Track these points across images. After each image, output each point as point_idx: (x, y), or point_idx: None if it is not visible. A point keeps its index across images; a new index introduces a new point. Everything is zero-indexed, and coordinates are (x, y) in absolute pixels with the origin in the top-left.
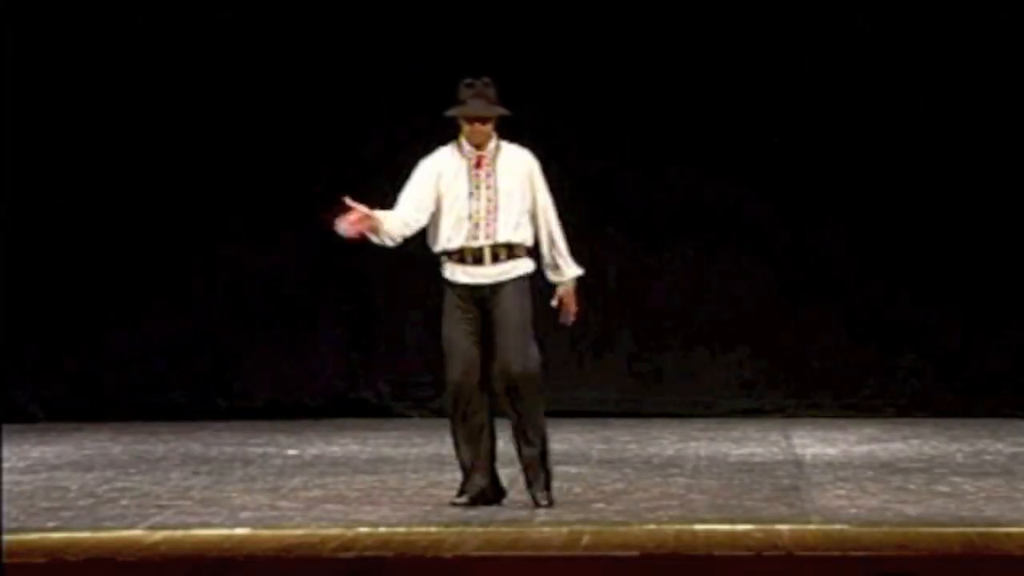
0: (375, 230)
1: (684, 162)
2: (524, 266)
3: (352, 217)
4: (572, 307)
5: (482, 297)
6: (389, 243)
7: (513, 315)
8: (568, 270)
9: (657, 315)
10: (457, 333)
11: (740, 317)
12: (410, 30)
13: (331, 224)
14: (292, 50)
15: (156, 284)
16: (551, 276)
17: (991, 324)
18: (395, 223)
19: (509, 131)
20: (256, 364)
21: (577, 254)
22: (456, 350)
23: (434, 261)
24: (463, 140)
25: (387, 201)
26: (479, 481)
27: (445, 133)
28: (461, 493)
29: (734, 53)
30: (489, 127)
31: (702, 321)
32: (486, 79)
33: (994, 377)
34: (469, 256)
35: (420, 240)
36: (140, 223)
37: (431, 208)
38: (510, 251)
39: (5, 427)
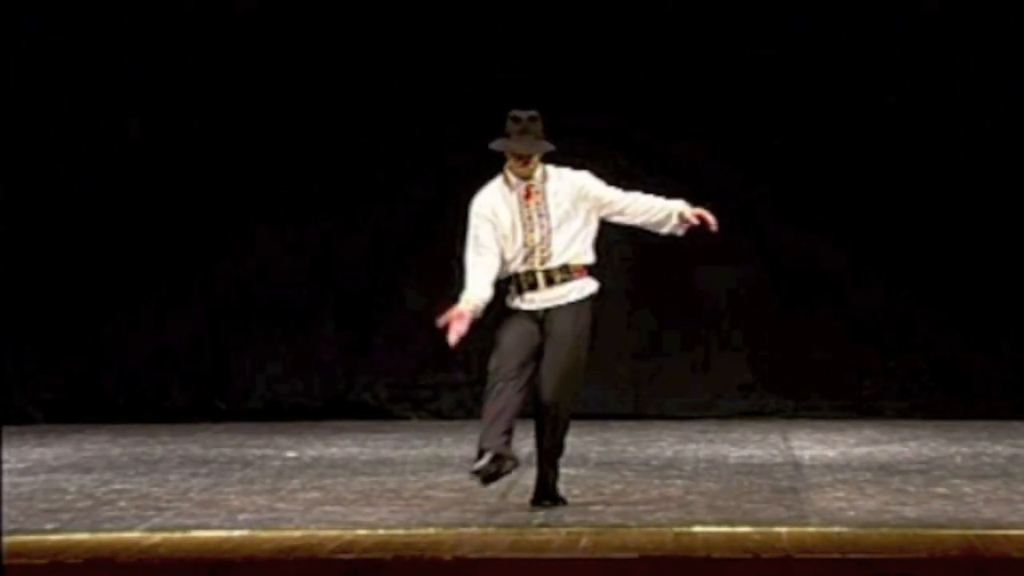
0: (475, 313)
1: (682, 164)
2: (582, 287)
3: (454, 324)
4: (703, 216)
5: (540, 319)
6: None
7: (565, 341)
8: (672, 203)
9: (655, 317)
10: (510, 335)
11: (739, 319)
12: (442, 51)
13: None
14: (301, 49)
15: (155, 286)
16: (670, 222)
17: (990, 326)
18: (485, 290)
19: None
20: (255, 366)
21: None
22: (504, 344)
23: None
24: (509, 172)
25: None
26: (500, 453)
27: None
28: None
29: (734, 56)
30: (533, 161)
31: (701, 323)
32: (532, 113)
33: (993, 379)
34: (524, 282)
35: (416, 242)
36: (139, 225)
37: (500, 249)
38: (564, 272)
39: (4, 429)
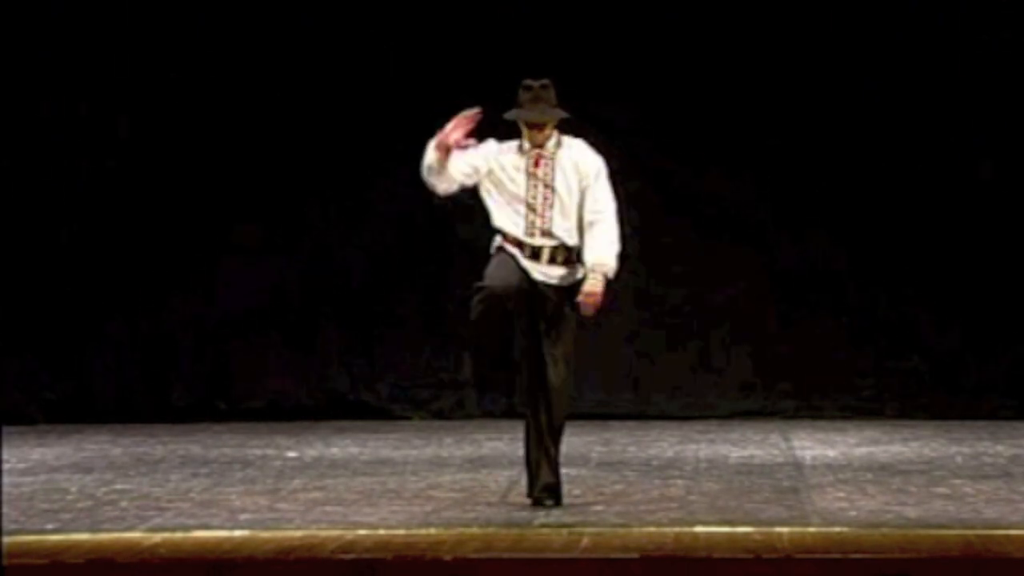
0: (449, 149)
1: (682, 164)
2: (573, 272)
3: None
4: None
5: (536, 291)
6: (441, 184)
7: (566, 324)
8: (594, 270)
9: (656, 317)
10: (501, 271)
11: (739, 319)
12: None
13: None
14: (303, 51)
15: (156, 286)
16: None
17: (990, 326)
18: (450, 163)
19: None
20: (256, 366)
21: None
22: (496, 265)
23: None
24: (525, 140)
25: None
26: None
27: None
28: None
29: (733, 54)
30: (548, 129)
31: (701, 323)
32: (545, 81)
33: (994, 379)
34: (528, 250)
35: (415, 244)
36: (141, 225)
37: (475, 175)
38: (568, 254)
39: (5, 429)
